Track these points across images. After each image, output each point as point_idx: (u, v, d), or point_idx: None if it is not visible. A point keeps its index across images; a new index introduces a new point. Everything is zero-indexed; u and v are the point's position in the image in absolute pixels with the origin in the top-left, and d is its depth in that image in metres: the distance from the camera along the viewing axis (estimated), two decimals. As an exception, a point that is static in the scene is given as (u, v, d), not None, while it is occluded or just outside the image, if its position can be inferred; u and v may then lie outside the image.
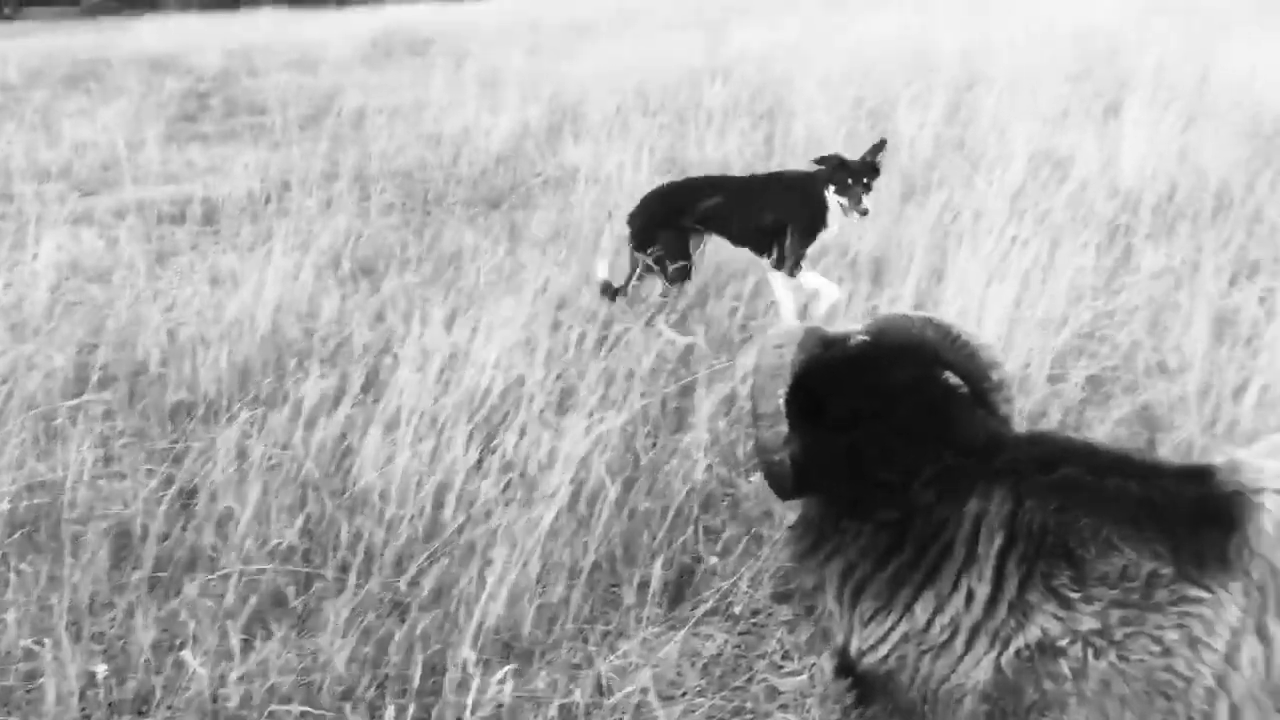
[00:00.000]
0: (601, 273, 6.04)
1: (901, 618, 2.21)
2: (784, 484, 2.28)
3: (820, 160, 5.80)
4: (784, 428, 2.23)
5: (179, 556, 3.91)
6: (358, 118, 11.93)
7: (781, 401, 2.24)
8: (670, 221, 5.94)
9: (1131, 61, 11.22)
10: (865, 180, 5.59)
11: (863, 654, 2.26)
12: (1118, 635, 2.09)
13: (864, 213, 5.60)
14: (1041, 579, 2.13)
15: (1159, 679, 2.08)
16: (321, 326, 5.87)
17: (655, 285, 6.10)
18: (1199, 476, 2.25)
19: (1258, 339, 4.68)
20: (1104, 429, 4.29)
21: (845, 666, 2.34)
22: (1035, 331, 4.94)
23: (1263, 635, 2.08)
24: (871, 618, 2.25)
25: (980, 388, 2.37)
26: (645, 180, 8.48)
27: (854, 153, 5.84)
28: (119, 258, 7.23)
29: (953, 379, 2.38)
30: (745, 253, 6.09)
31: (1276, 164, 7.60)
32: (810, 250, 5.84)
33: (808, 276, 5.81)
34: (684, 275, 5.93)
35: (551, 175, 9.23)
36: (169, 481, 4.34)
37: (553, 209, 8.01)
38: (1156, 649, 2.08)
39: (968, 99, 10.57)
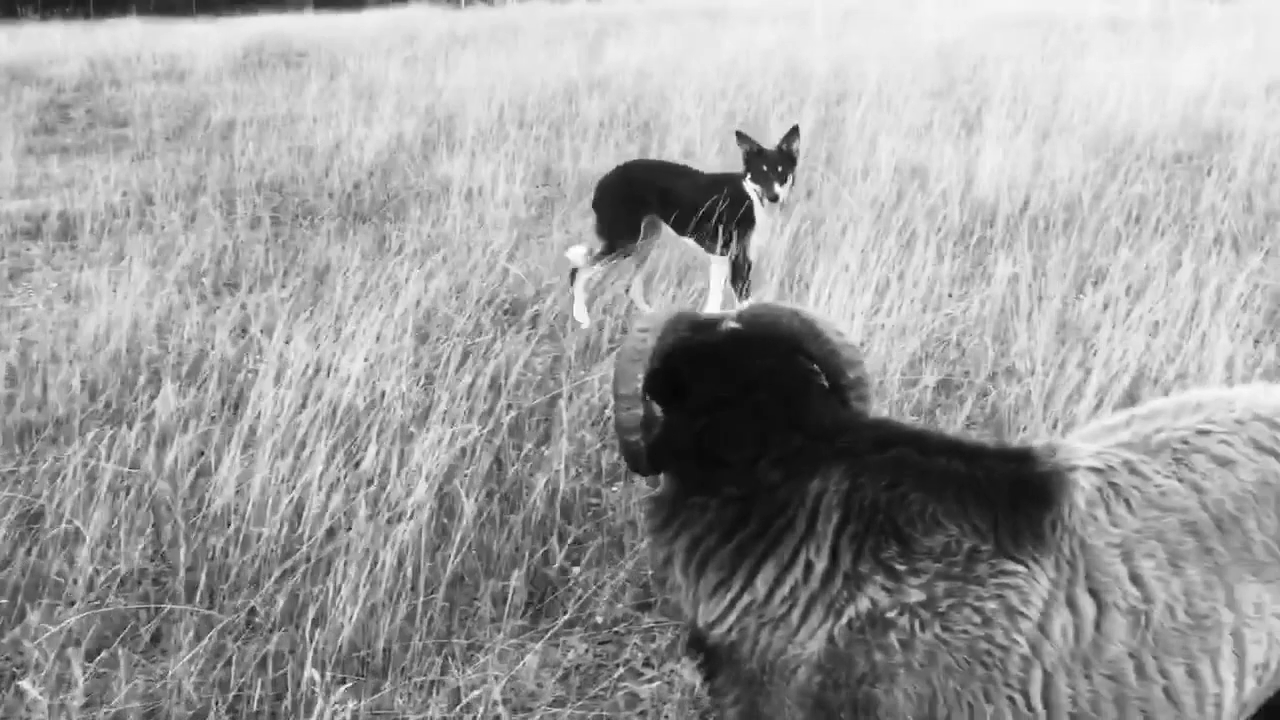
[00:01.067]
0: (575, 259, 6.14)
1: (744, 590, 2.27)
2: (639, 462, 2.40)
3: (740, 136, 5.80)
4: (640, 410, 2.33)
5: (22, 582, 3.76)
6: (226, 130, 11.67)
7: (640, 384, 2.32)
8: (626, 195, 5.99)
9: (991, 77, 11.62)
10: (779, 168, 5.57)
11: (710, 626, 2.31)
12: (942, 607, 2.18)
13: (774, 199, 5.57)
14: (871, 552, 2.22)
15: (979, 649, 2.17)
16: (181, 343, 5.73)
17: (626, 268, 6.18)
18: (1019, 458, 2.38)
19: (1097, 342, 4.88)
20: (953, 430, 4.44)
21: (696, 640, 2.39)
22: (891, 338, 5.08)
23: (1073, 606, 2.18)
24: (715, 590, 2.30)
25: (837, 383, 2.44)
26: (519, 192, 8.50)
27: (729, 165, 5.93)
28: (-33, 274, 6.95)
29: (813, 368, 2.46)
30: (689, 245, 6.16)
31: (1122, 176, 7.96)
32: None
33: (718, 276, 5.85)
34: (622, 248, 5.95)
35: (425, 188, 9.15)
36: (10, 505, 4.18)
37: (425, 222, 7.95)
38: (977, 620, 2.17)
39: (836, 113, 10.83)
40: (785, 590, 2.24)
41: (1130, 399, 4.44)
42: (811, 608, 2.22)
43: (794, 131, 5.72)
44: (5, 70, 16.98)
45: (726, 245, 5.81)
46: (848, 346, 2.48)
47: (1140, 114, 9.82)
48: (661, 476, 2.47)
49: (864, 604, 2.20)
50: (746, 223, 5.77)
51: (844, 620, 2.20)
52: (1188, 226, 6.98)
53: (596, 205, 6.18)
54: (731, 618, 2.28)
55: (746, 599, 2.27)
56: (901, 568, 2.20)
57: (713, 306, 5.77)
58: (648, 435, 2.37)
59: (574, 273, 6.06)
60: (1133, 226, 6.98)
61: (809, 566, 2.24)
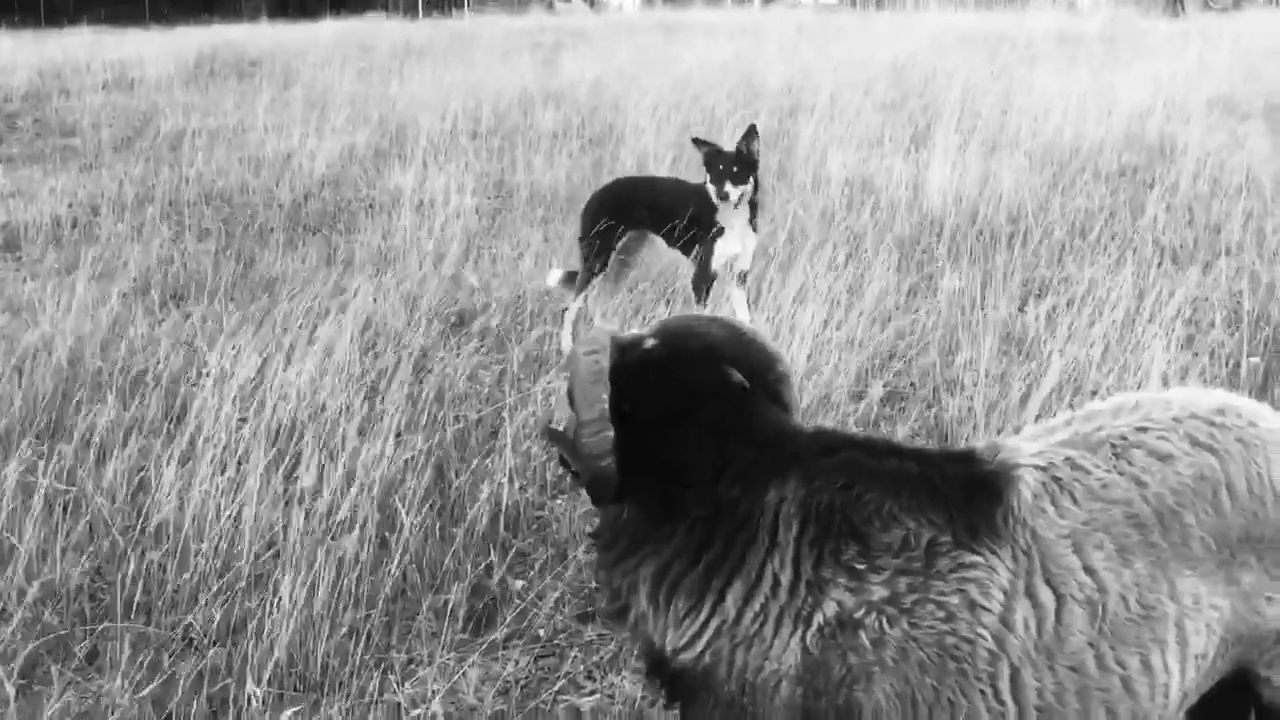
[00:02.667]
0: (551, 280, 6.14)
1: (714, 612, 2.26)
2: (608, 490, 2.29)
3: (696, 140, 5.75)
4: (610, 432, 2.24)
5: (-47, 600, 3.70)
6: (176, 140, 11.56)
7: (605, 406, 2.25)
8: (605, 215, 5.93)
9: (941, 92, 11.76)
10: (735, 168, 5.46)
11: (678, 652, 2.29)
12: (906, 602, 2.20)
13: (723, 197, 5.46)
14: (832, 555, 2.23)
15: (947, 643, 2.20)
16: (124, 356, 5.66)
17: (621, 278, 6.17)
18: (963, 459, 2.43)
19: (1040, 354, 4.95)
20: (898, 439, 4.47)
21: (656, 666, 2.38)
22: (839, 351, 5.12)
23: (1033, 597, 2.22)
24: (685, 615, 2.29)
25: (765, 380, 2.45)
26: (471, 203, 8.49)
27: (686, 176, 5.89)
28: (-94, 286, 6.83)
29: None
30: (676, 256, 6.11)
31: (1066, 190, 8.08)
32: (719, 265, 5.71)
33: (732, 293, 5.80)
34: (595, 269, 5.92)
35: (376, 199, 9.11)
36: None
37: (375, 233, 7.91)
38: (941, 614, 2.20)
39: (789, 126, 10.91)
40: (756, 607, 2.24)
41: (1071, 411, 4.51)
42: (781, 620, 2.23)
43: (751, 131, 5.57)
44: (-49, 79, 16.71)
45: (696, 253, 5.74)
46: (769, 343, 2.52)
47: (1086, 128, 9.97)
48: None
49: (831, 608, 2.21)
50: (717, 230, 5.67)
51: (814, 627, 2.21)
52: (1130, 240, 7.09)
53: (582, 220, 6.14)
54: (703, 641, 2.27)
55: (717, 620, 2.26)
56: (862, 567, 2.22)
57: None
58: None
59: (564, 311, 5.99)
60: (1077, 239, 7.08)
61: (775, 580, 2.24)
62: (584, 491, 2.49)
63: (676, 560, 2.30)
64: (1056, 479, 2.31)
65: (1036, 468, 2.33)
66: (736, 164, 5.49)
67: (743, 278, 5.73)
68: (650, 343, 2.42)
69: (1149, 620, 2.24)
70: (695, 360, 2.39)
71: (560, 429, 2.45)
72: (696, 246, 5.71)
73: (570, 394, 2.29)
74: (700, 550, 2.28)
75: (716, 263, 5.68)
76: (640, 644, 2.43)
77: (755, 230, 5.75)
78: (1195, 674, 2.31)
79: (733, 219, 5.62)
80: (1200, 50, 14.23)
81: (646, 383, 2.35)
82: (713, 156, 5.56)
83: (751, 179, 5.53)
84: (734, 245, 5.66)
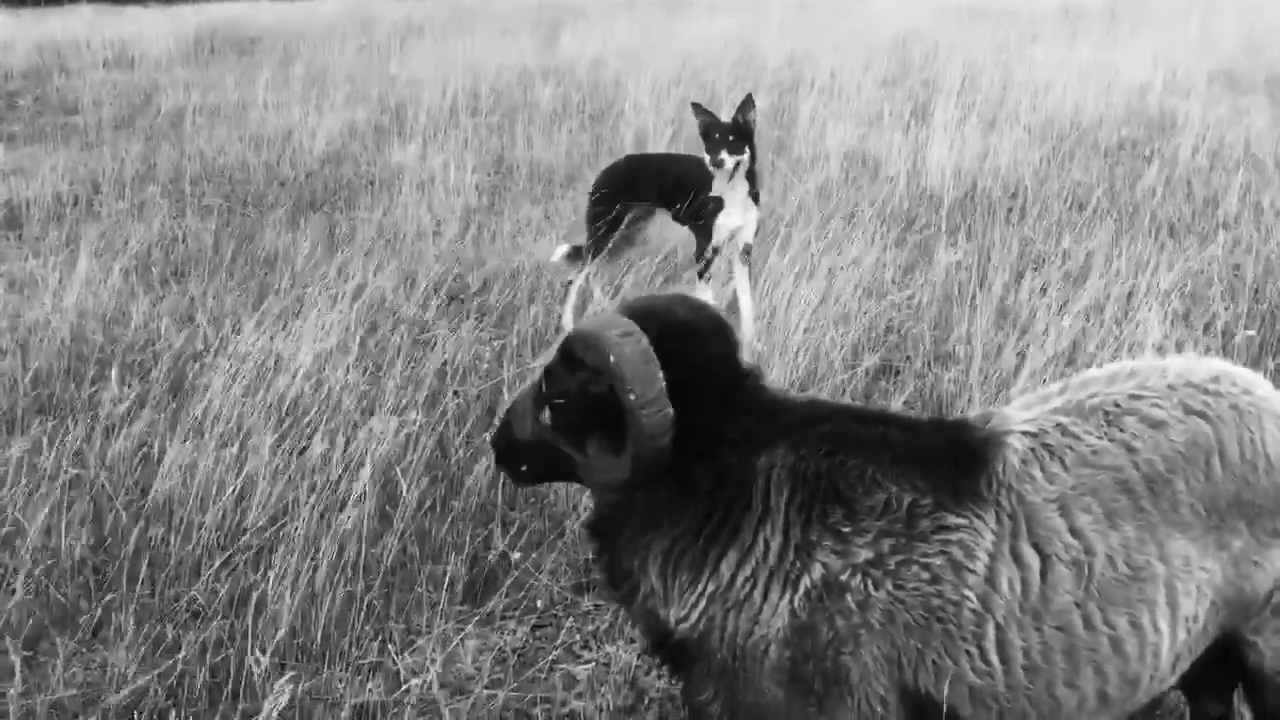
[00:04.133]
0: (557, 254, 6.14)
1: (710, 578, 2.31)
2: (658, 468, 2.30)
3: (696, 106, 5.74)
4: (670, 410, 2.26)
5: (-39, 574, 3.76)
6: (176, 118, 11.57)
7: (663, 383, 2.26)
8: (611, 192, 5.95)
9: (943, 67, 11.73)
10: (730, 137, 5.46)
11: (679, 623, 2.34)
12: (890, 564, 2.24)
13: (718, 164, 5.46)
14: (818, 519, 2.28)
15: (933, 604, 2.24)
16: (128, 333, 5.70)
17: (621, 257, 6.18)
18: (952, 426, 2.50)
19: (1034, 327, 4.98)
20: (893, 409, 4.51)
21: (659, 642, 2.42)
22: (835, 324, 5.15)
23: (1017, 558, 2.26)
24: (688, 585, 2.33)
25: (728, 349, 2.47)
26: (471, 180, 8.51)
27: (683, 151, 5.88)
28: (-91, 265, 6.87)
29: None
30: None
31: (1065, 164, 8.09)
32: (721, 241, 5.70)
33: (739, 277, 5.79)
34: (600, 245, 5.94)
35: (376, 176, 9.13)
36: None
37: (376, 210, 7.94)
38: (926, 576, 2.25)
39: (790, 101, 10.89)
40: (747, 572, 2.29)
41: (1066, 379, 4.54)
42: (770, 585, 2.27)
43: (748, 101, 5.58)
44: (-49, 58, 16.70)
45: (701, 228, 5.76)
46: (720, 315, 2.55)
47: (1086, 102, 9.96)
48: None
49: (817, 571, 2.25)
50: (716, 203, 5.68)
51: (801, 591, 2.25)
52: (1128, 213, 7.11)
53: (590, 196, 6.17)
54: (699, 610, 2.32)
55: (712, 587, 2.31)
56: (847, 529, 2.26)
57: (744, 308, 5.65)
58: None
59: (569, 284, 6.02)
60: (1075, 213, 7.10)
61: (766, 545, 2.28)
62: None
63: (684, 535, 2.34)
64: (1046, 445, 2.35)
65: (1026, 434, 2.37)
66: (732, 133, 5.49)
67: (747, 251, 5.73)
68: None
69: (1137, 581, 2.28)
70: (680, 337, 2.40)
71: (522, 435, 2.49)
72: (701, 221, 5.74)
73: (615, 379, 2.26)
74: (704, 523, 2.33)
75: (718, 236, 5.69)
76: (643, 621, 2.45)
77: (757, 203, 5.75)
78: (1187, 636, 2.35)
79: (732, 191, 5.62)
80: (1203, 24, 14.17)
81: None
82: (709, 126, 5.57)
83: (747, 149, 5.53)
84: (735, 218, 5.67)
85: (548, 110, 11.01)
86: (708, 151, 5.51)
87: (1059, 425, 2.38)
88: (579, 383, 2.37)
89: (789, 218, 6.84)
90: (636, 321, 2.38)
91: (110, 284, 6.17)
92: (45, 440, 4.37)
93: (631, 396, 2.24)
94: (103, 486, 4.10)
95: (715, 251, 5.72)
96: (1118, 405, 2.39)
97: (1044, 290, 5.54)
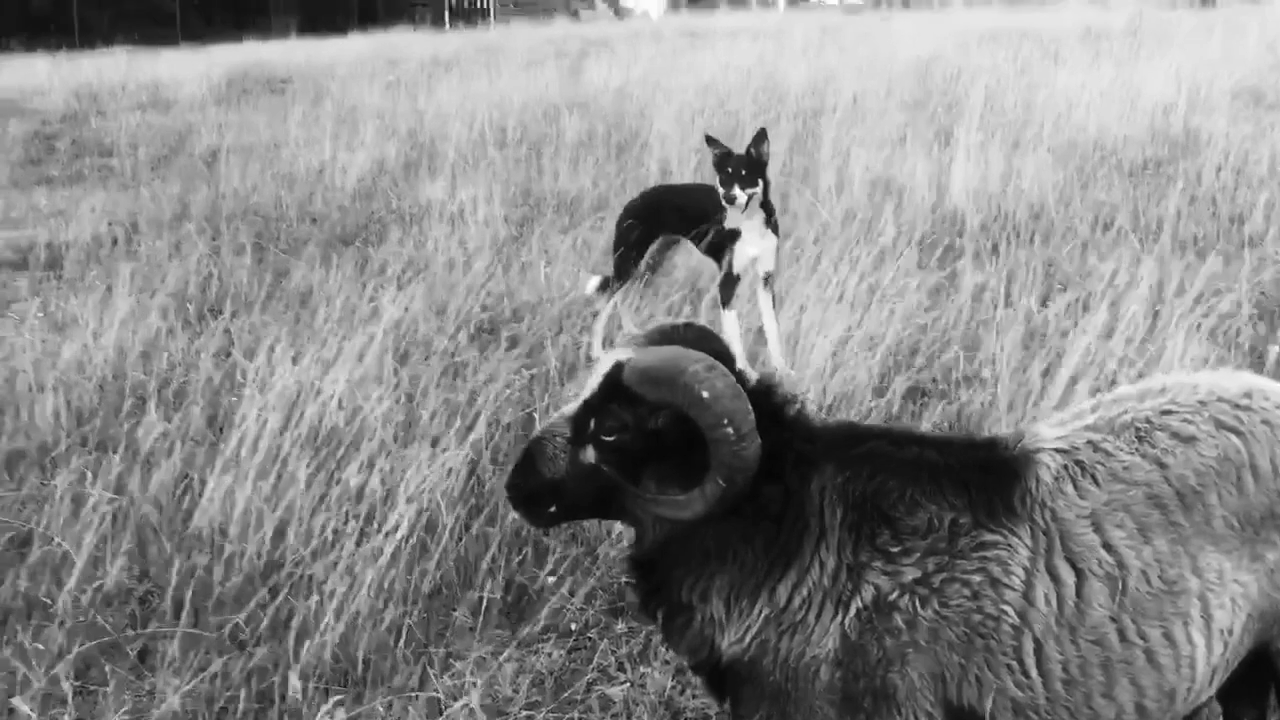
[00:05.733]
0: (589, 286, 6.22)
1: (767, 602, 2.35)
2: (739, 497, 2.31)
3: (709, 139, 5.81)
4: (759, 442, 2.28)
5: (13, 605, 3.85)
6: (210, 157, 11.79)
7: (753, 417, 2.28)
8: (639, 221, 6.03)
9: (965, 90, 11.79)
10: (744, 171, 5.53)
11: (730, 645, 2.38)
12: (935, 582, 2.30)
13: (731, 201, 5.53)
14: (867, 540, 2.33)
15: (974, 620, 2.29)
16: (165, 368, 5.83)
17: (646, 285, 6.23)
18: (985, 445, 2.53)
19: (1062, 348, 5.00)
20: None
21: (703, 664, 2.46)
22: (861, 349, 5.20)
23: (1053, 574, 2.31)
24: (746, 610, 2.38)
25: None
26: (499, 212, 8.63)
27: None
28: (-46, 306, 7.04)
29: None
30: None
31: (1089, 186, 8.11)
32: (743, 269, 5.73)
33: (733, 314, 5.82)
34: (627, 275, 6.02)
35: (406, 210, 9.28)
36: (2, 530, 4.27)
37: (406, 243, 8.07)
38: (967, 593, 2.29)
39: (812, 127, 10.98)
40: (804, 593, 2.34)
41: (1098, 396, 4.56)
42: (824, 606, 2.33)
43: (761, 134, 5.69)
44: (-9, 103, 17.09)
45: (721, 258, 5.82)
46: (723, 340, 2.60)
47: (1109, 122, 9.98)
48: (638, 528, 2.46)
49: (868, 592, 2.31)
50: (733, 234, 5.75)
51: (852, 612, 2.31)
52: (1153, 232, 7.12)
53: (616, 227, 6.26)
54: (751, 633, 2.36)
55: (767, 611, 2.35)
56: (895, 550, 2.32)
57: (770, 334, 5.69)
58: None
59: (597, 314, 6.11)
60: (1099, 234, 7.12)
61: (822, 565, 2.34)
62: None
63: (752, 562, 2.37)
64: (1078, 462, 2.38)
65: (1058, 451, 2.41)
66: (746, 167, 5.57)
67: (767, 279, 5.77)
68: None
69: (1171, 594, 2.31)
70: (730, 366, 2.43)
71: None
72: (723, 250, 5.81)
73: (704, 413, 2.27)
74: (769, 547, 2.36)
75: (738, 265, 5.74)
76: (690, 647, 2.46)
77: (776, 232, 5.82)
78: (1223, 649, 2.37)
79: (748, 221, 5.68)
80: (1225, 41, 14.17)
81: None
82: (722, 159, 5.65)
83: (760, 181, 5.61)
84: (752, 247, 5.73)
85: (573, 142, 11.15)
86: (721, 185, 5.59)
87: (1090, 442, 2.41)
88: (637, 417, 2.38)
89: (815, 242, 6.89)
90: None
91: (148, 321, 6.30)
92: (89, 473, 4.47)
93: (729, 431, 2.25)
94: (145, 518, 4.20)
95: (736, 280, 5.77)
96: (1149, 421, 2.42)
97: (1069, 310, 5.57)
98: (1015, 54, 14.59)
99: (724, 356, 2.45)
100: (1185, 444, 2.38)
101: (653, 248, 6.08)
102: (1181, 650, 2.33)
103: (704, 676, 2.53)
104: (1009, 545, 2.31)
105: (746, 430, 2.25)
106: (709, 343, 2.51)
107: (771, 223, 5.78)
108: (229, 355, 5.97)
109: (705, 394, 2.25)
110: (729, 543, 2.37)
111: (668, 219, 6.07)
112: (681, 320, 2.59)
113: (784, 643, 2.34)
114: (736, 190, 5.53)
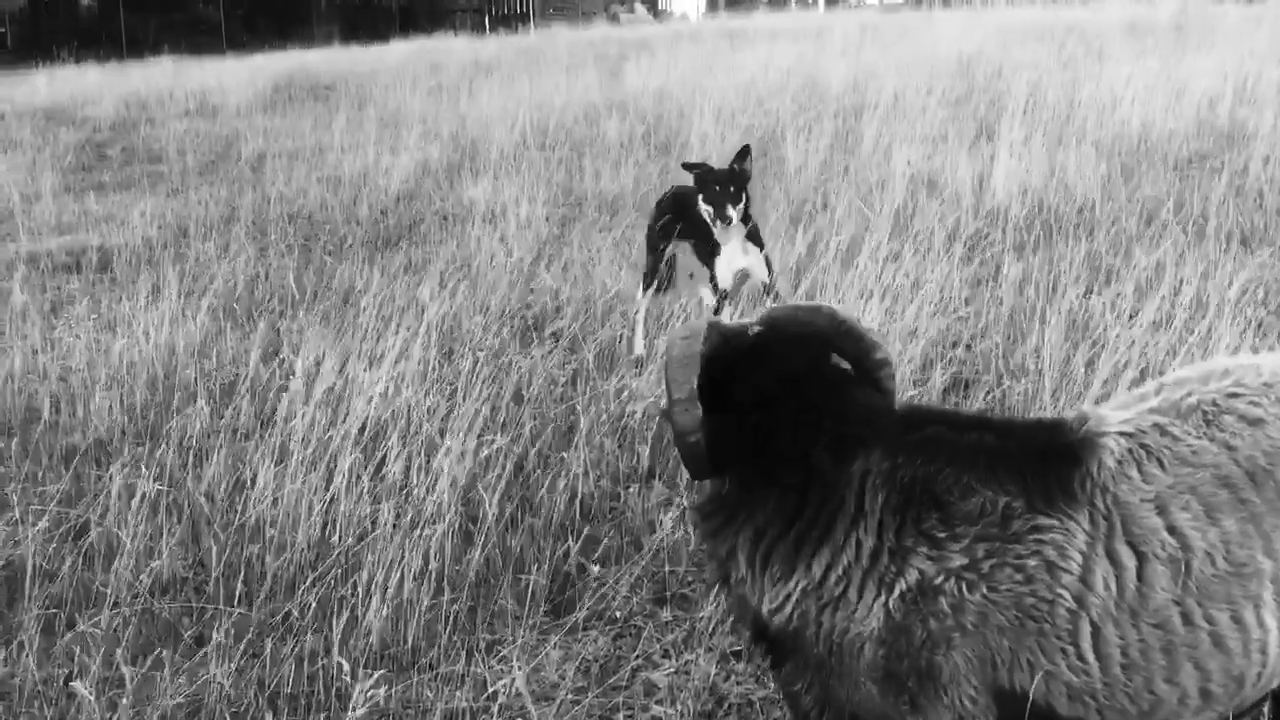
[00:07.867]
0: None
1: (802, 574, 2.39)
2: (699, 463, 2.43)
3: (686, 165, 5.74)
4: (699, 411, 2.38)
5: (71, 594, 3.96)
6: (257, 162, 11.97)
7: (694, 386, 2.39)
8: (667, 220, 5.98)
9: (1008, 86, 11.72)
10: (731, 188, 5.43)
11: (772, 614, 2.43)
12: (985, 568, 2.30)
13: (727, 221, 5.43)
14: (913, 524, 2.35)
15: (1026, 604, 2.29)
16: (215, 366, 5.94)
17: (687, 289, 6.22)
18: (1050, 428, 2.52)
19: (1107, 339, 4.98)
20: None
21: (759, 631, 2.51)
22: (903, 340, 5.20)
23: (1112, 558, 2.29)
24: (779, 580, 2.42)
25: (865, 367, 2.57)
26: (541, 212, 8.70)
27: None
28: (12, 309, 7.20)
29: (841, 362, 2.59)
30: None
31: (1134, 180, 8.04)
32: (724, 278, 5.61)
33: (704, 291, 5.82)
34: (648, 280, 6.03)
35: (450, 212, 9.37)
36: (60, 522, 4.38)
37: (450, 243, 8.15)
38: (1020, 577, 2.29)
39: (854, 125, 10.97)
40: (839, 571, 2.36)
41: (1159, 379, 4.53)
42: (865, 585, 2.35)
43: (745, 151, 5.59)
44: (43, 112, 17.46)
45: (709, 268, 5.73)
46: (871, 331, 2.63)
47: (1154, 117, 9.89)
48: (708, 480, 2.57)
49: (913, 575, 2.32)
50: (713, 247, 5.65)
51: (896, 593, 2.32)
52: (1198, 226, 7.05)
53: (649, 225, 6.28)
54: (791, 603, 2.40)
55: (804, 582, 2.39)
56: (942, 535, 2.33)
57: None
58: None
59: (636, 313, 6.14)
60: (1144, 227, 7.06)
61: (859, 545, 2.36)
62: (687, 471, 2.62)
63: (770, 527, 2.43)
64: (1144, 445, 2.37)
65: (1123, 434, 2.40)
66: (732, 183, 5.46)
67: (767, 289, 5.62)
68: (755, 329, 2.57)
69: (1240, 576, 2.28)
70: (795, 345, 2.52)
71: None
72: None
73: (665, 377, 2.45)
74: (793, 518, 2.41)
75: (721, 280, 5.63)
76: (740, 610, 2.56)
77: (759, 244, 5.66)
78: None
79: (726, 234, 5.55)
80: (1272, 34, 13.98)
81: (744, 368, 2.51)
82: (706, 176, 5.54)
83: (744, 196, 5.51)
84: (737, 260, 5.60)
85: (614, 142, 11.22)
86: (710, 204, 5.46)
87: (1157, 425, 2.40)
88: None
89: (856, 238, 6.90)
90: (767, 328, 2.54)
91: (198, 321, 6.43)
92: (143, 466, 4.58)
93: (667, 394, 2.40)
94: (199, 508, 4.30)
95: (725, 295, 5.64)
96: (1216, 404, 2.40)
97: (1114, 302, 5.54)
98: (1058, 49, 14.47)
99: (850, 338, 2.51)
100: (1253, 426, 2.36)
101: (671, 245, 6.07)
102: (1251, 633, 2.29)
103: (760, 645, 2.56)
104: (1065, 530, 2.30)
105: (677, 396, 2.38)
106: (821, 320, 2.55)
107: (754, 237, 5.64)
108: (277, 353, 6.07)
109: (666, 359, 2.43)
110: (740, 507, 2.46)
111: (682, 223, 5.98)
112: (810, 304, 2.64)
113: (825, 617, 2.37)
114: (729, 210, 5.42)
